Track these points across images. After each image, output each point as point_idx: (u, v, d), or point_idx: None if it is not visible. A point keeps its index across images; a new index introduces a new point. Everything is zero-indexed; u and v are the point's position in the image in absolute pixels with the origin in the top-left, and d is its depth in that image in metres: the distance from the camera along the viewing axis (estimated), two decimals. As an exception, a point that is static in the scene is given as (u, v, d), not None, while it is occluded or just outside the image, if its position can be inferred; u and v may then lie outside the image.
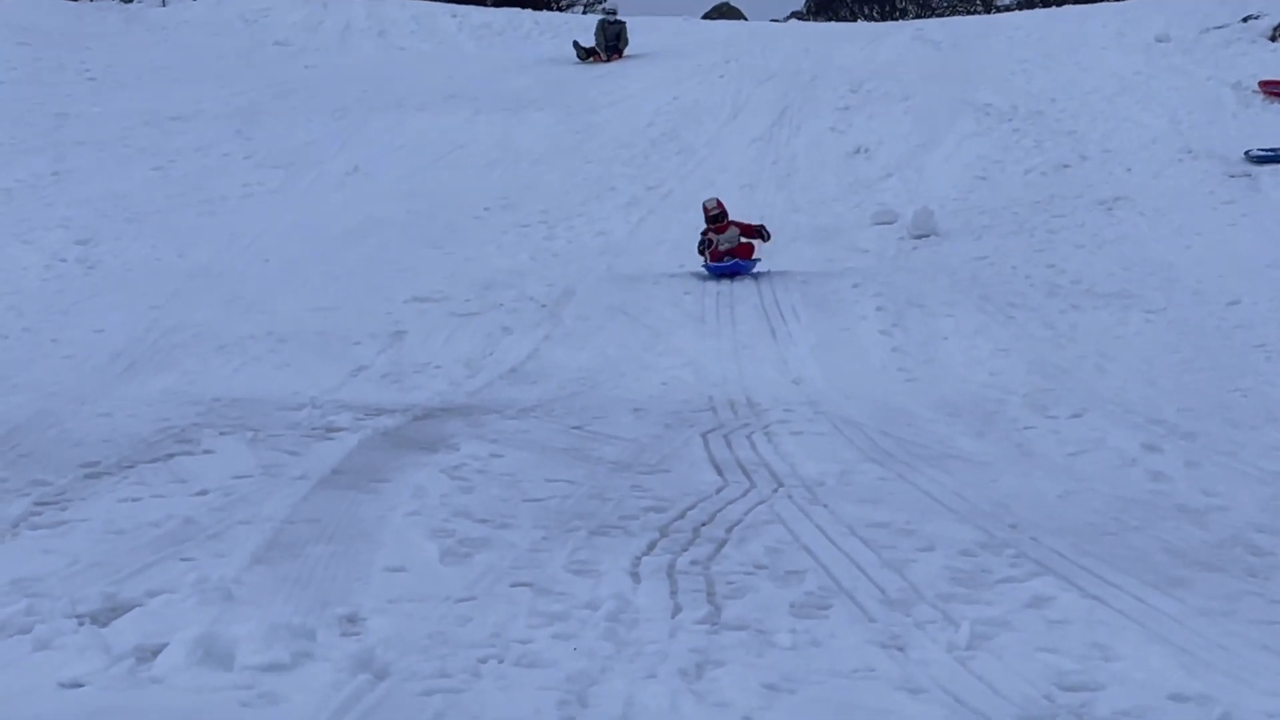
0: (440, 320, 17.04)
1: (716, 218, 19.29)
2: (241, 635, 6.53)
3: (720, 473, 10.73)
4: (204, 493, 9.67)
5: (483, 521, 9.12)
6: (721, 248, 19.06)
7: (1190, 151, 22.84)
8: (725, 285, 18.30)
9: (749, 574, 8.10)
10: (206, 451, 10.97)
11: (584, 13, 44.82)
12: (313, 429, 12.06)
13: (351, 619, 7.18)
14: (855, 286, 17.99)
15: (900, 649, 6.87)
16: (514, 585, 7.82)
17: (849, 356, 15.54)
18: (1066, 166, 22.90)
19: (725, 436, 12.05)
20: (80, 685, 6.19)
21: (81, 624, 6.82)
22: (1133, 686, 6.35)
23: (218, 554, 8.23)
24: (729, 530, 9.01)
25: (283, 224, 21.42)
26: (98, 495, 9.53)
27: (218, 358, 15.39)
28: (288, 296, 18.01)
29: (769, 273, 18.83)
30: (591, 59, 31.47)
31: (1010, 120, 25.04)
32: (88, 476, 10.10)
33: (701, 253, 19.12)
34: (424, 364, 15.36)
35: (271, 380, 14.44)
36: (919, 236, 20.36)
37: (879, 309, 17.01)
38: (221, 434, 11.57)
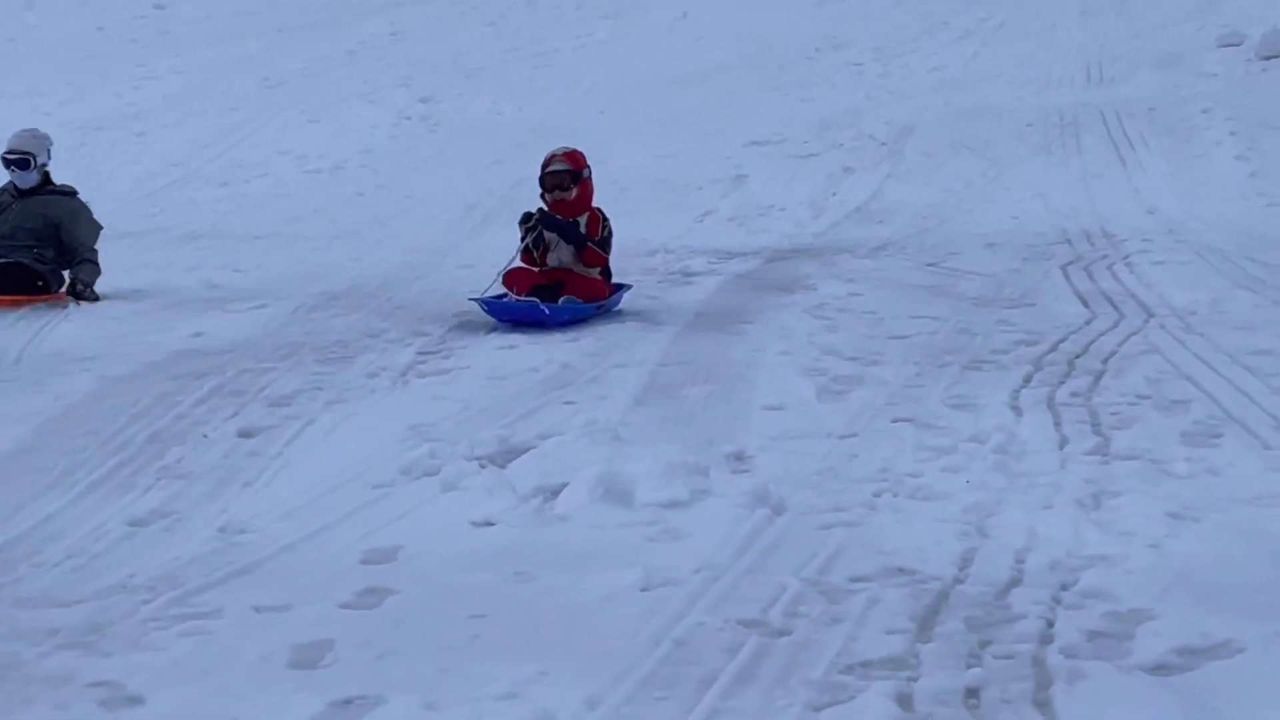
0: (780, 162, 17.04)
1: (556, 180, 10.62)
2: (639, 473, 6.66)
3: (1086, 304, 10.57)
4: (575, 339, 9.84)
5: (853, 359, 9.13)
6: (549, 260, 10.61)
7: None
8: (1070, 114, 17.91)
9: (1132, 404, 7.98)
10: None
11: None
12: (669, 274, 12.18)
13: (739, 456, 7.26)
14: (1205, 112, 17.49)
15: (1302, 475, 6.73)
16: (894, 421, 7.82)
17: (1204, 183, 15.15)
18: None
19: (1085, 268, 11.86)
20: (492, 524, 6.39)
21: (483, 466, 7.02)
22: None
23: (599, 397, 8.38)
24: (1105, 361, 8.89)
25: (615, 73, 21.56)
26: (475, 344, 9.75)
27: (565, 208, 15.60)
28: (626, 145, 18.14)
29: (1112, 101, 18.36)
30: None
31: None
32: (464, 326, 10.34)
33: (524, 237, 10.57)
34: (768, 207, 15.38)
35: (619, 227, 14.53)
36: (1268, 58, 19.66)
37: (1232, 134, 16.53)
38: (582, 281, 11.74)
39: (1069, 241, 13.07)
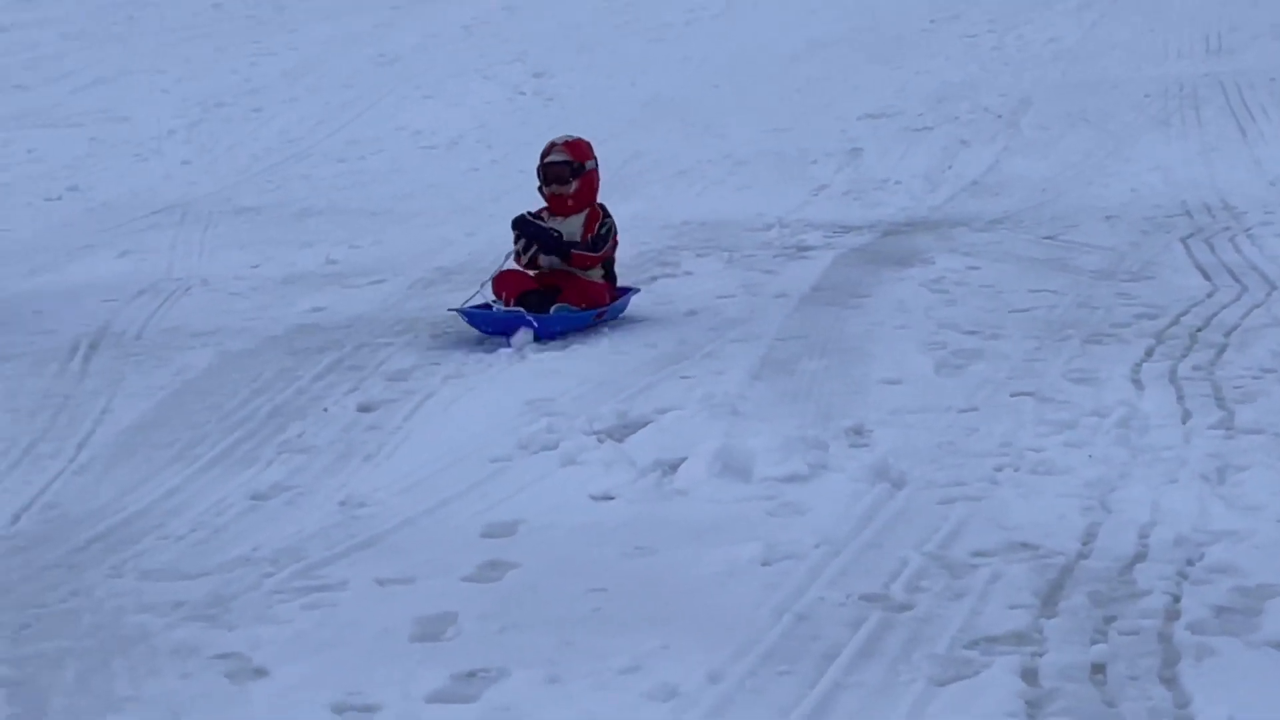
0: (895, 135, 16.91)
1: (554, 172, 9.59)
2: (758, 448, 6.65)
3: (1208, 277, 10.44)
4: (692, 313, 9.83)
5: (971, 333, 9.06)
6: (543, 262, 9.51)
7: None
8: (1189, 85, 17.67)
9: (1257, 378, 7.88)
10: (686, 273, 11.13)
11: None
12: (784, 248, 12.13)
13: (857, 430, 7.25)
14: (1328, 81, 17.25)
15: None
16: (1014, 395, 7.77)
17: (1329, 154, 14.92)
18: None
19: (1207, 240, 11.70)
20: (611, 498, 6.41)
21: (601, 440, 7.03)
22: None
23: (716, 371, 8.37)
24: (1227, 335, 8.78)
25: (728, 48, 21.49)
26: (593, 317, 9.75)
27: (679, 182, 15.58)
28: (740, 119, 18.08)
29: (1232, 71, 18.10)
30: None
31: None
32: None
33: (517, 239, 9.60)
34: (883, 180, 15.26)
35: (734, 202, 14.55)
36: (1393, 25, 19.36)
37: (1358, 104, 16.29)
38: (698, 256, 11.74)
39: (1189, 214, 12.89)
